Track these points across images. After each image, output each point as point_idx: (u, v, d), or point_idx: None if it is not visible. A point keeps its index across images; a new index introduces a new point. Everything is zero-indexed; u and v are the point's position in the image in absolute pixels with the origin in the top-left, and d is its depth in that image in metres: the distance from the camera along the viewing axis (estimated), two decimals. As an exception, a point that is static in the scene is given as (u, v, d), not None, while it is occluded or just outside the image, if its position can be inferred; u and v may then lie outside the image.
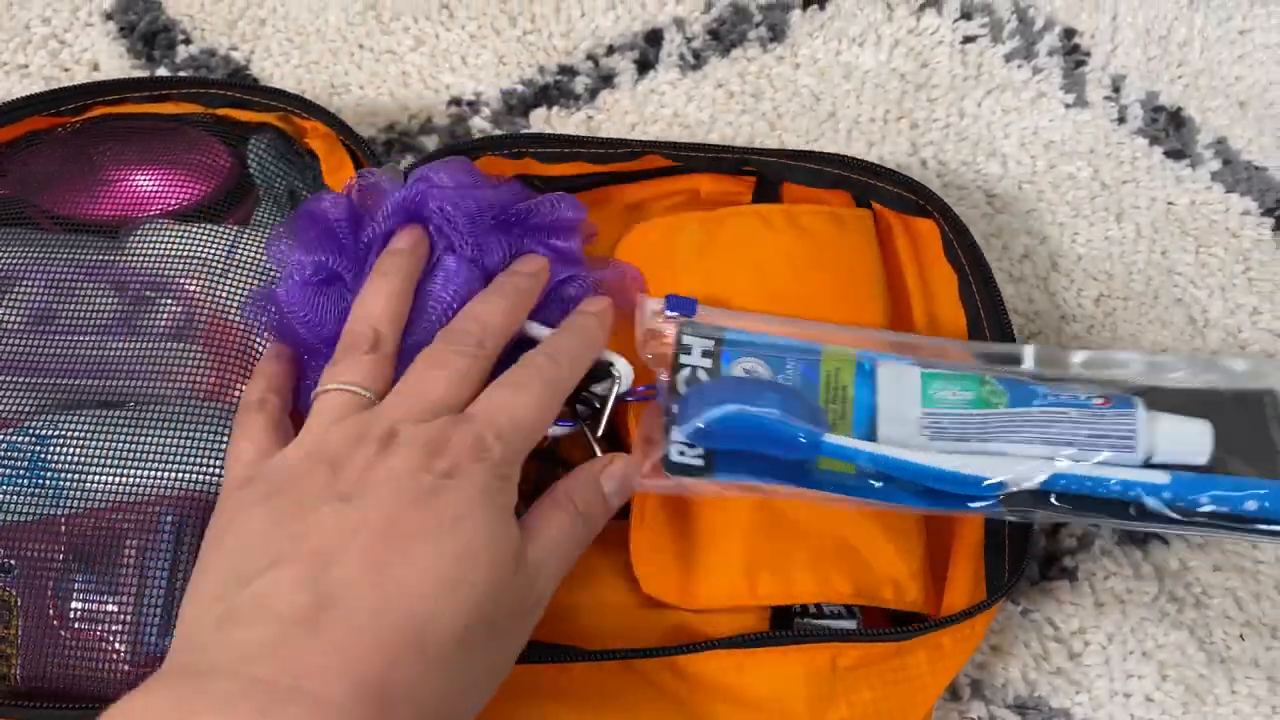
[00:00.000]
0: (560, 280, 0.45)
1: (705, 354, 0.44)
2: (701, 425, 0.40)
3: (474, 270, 0.43)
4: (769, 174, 0.52)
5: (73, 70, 0.60)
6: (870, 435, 0.41)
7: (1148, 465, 0.39)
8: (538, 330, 0.43)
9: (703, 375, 0.43)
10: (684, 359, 0.43)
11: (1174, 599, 0.46)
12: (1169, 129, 0.60)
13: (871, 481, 0.40)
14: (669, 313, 0.45)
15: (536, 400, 0.39)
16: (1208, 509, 0.38)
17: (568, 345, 0.42)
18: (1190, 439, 0.40)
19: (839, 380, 0.43)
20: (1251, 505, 0.38)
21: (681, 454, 0.41)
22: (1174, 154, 0.59)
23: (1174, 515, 0.38)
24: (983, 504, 0.39)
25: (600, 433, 0.43)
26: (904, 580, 0.41)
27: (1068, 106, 0.61)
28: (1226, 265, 0.55)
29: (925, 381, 0.43)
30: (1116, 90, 0.61)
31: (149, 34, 0.61)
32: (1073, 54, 0.62)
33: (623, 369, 0.44)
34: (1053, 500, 0.39)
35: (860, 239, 0.50)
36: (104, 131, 0.51)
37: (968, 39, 0.62)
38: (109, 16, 0.62)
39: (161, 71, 0.60)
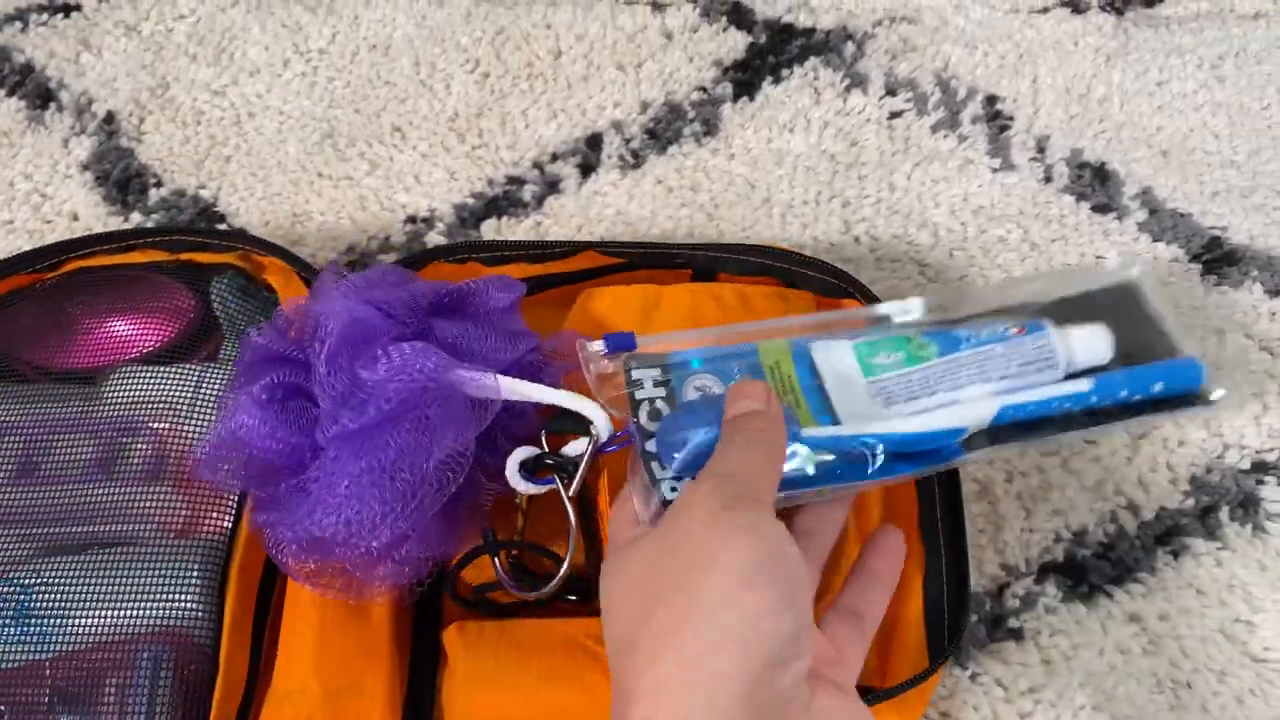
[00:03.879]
0: (526, 352, 0.46)
1: (657, 384, 0.44)
2: (683, 456, 0.40)
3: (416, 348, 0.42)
4: (701, 266, 0.55)
5: (54, 222, 0.64)
6: (829, 416, 0.43)
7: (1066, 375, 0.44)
8: (523, 387, 0.43)
9: (661, 405, 0.44)
10: (639, 394, 0.44)
11: (1121, 650, 0.48)
12: (1095, 184, 0.62)
13: (838, 468, 0.41)
14: (609, 351, 0.45)
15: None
16: (1126, 401, 0.43)
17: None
18: (1096, 344, 0.44)
19: (782, 371, 0.45)
20: (1158, 387, 0.43)
21: (674, 489, 0.41)
22: (1101, 208, 0.61)
23: (1103, 415, 0.43)
24: (947, 457, 0.42)
25: (574, 491, 0.44)
26: None
27: (995, 171, 0.63)
28: (1157, 314, 0.57)
29: (858, 353, 0.45)
30: (1041, 150, 0.64)
31: (123, 181, 0.65)
32: (996, 119, 0.65)
33: (600, 426, 0.44)
34: (1004, 432, 0.43)
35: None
36: (77, 284, 0.55)
37: (894, 114, 0.65)
38: (85, 167, 0.66)
39: (135, 215, 0.64)
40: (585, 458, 0.44)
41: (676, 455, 0.41)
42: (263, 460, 0.43)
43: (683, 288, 0.53)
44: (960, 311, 0.47)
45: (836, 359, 0.45)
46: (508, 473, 0.45)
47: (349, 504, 0.40)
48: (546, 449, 0.45)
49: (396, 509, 0.40)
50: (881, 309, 0.47)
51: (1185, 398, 0.44)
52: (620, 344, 0.45)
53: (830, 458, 0.42)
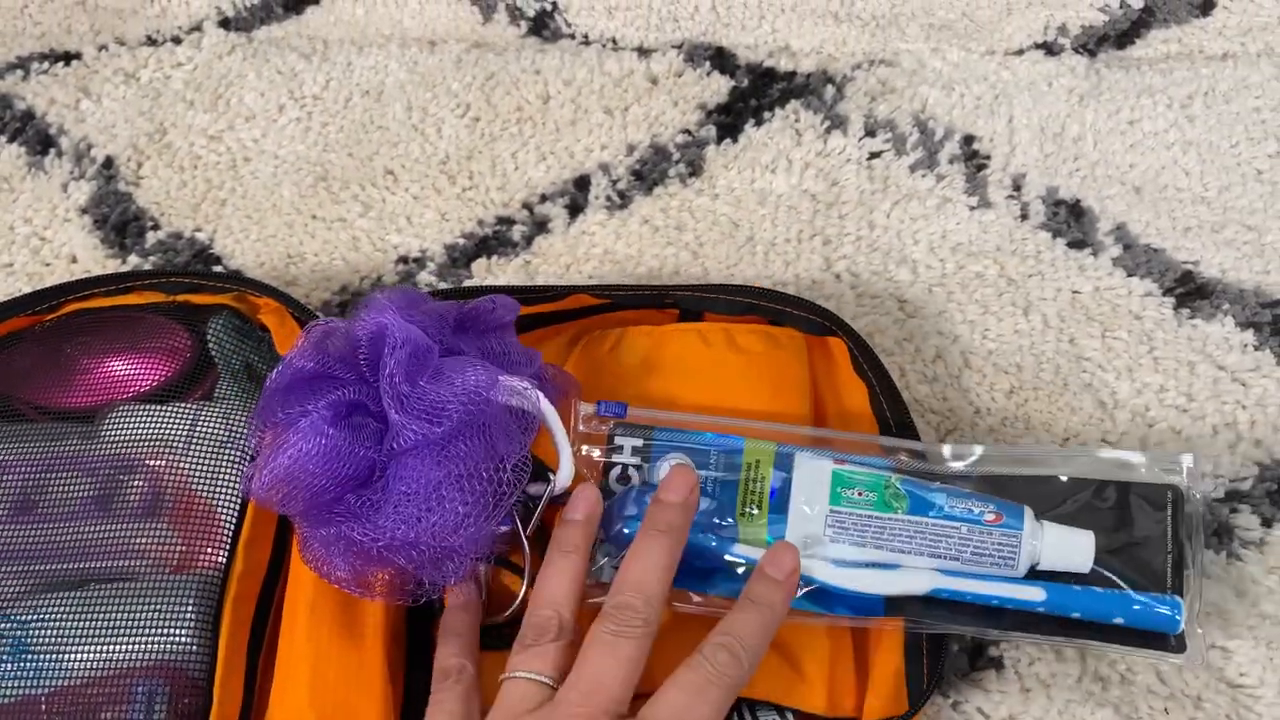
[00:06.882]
0: (538, 368, 0.49)
1: (635, 451, 0.48)
2: (624, 531, 0.45)
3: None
4: (688, 306, 0.56)
5: (53, 264, 0.65)
6: (781, 528, 0.45)
7: (1031, 572, 0.44)
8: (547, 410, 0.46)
9: (633, 473, 0.48)
10: (616, 457, 0.48)
11: (1098, 678, 0.48)
12: (1070, 220, 0.64)
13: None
14: (601, 414, 0.49)
15: (714, 711, 0.39)
16: (1076, 620, 0.44)
17: (752, 635, 0.41)
18: (1072, 551, 0.44)
19: (758, 472, 0.47)
20: (1118, 620, 0.44)
21: (606, 556, 0.45)
22: (1076, 244, 0.63)
23: (1041, 627, 0.44)
24: (869, 610, 0.44)
25: (530, 531, 0.46)
26: (811, 685, 0.44)
27: (972, 209, 0.65)
28: (1131, 347, 0.59)
29: (835, 480, 0.46)
30: (1017, 189, 0.65)
31: (120, 224, 0.66)
32: (973, 159, 0.67)
33: (563, 478, 0.46)
34: (934, 609, 0.44)
35: (791, 355, 0.54)
36: (75, 326, 0.56)
37: (873, 155, 0.67)
38: (84, 211, 0.67)
39: (133, 258, 0.65)
40: (541, 502, 0.46)
41: (621, 529, 0.45)
42: (327, 481, 0.43)
43: (674, 332, 0.55)
44: (1007, 468, 0.48)
45: (813, 478, 0.46)
46: None
47: (436, 509, 0.42)
48: None
49: (476, 511, 0.42)
50: (934, 449, 0.48)
51: (1153, 636, 0.44)
52: (612, 410, 0.49)
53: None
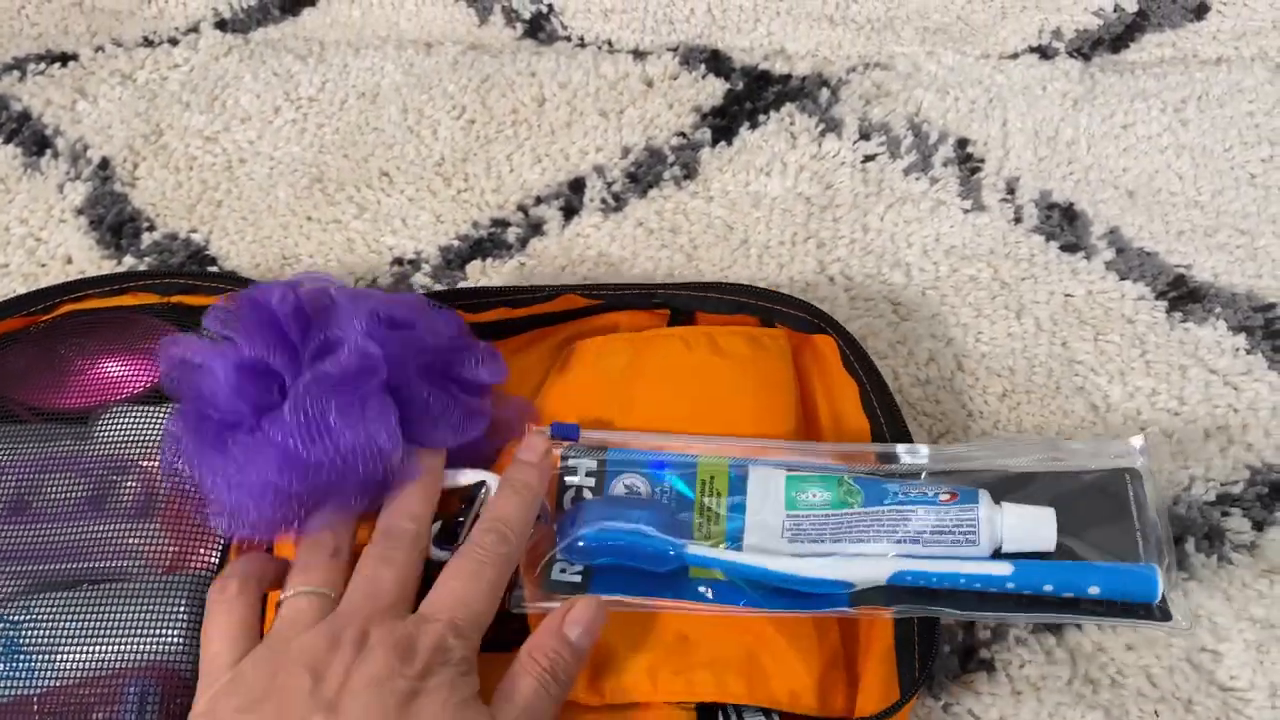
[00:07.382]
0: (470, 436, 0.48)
1: (589, 474, 0.48)
2: (578, 543, 0.45)
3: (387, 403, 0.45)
4: (679, 306, 0.56)
5: (48, 265, 0.65)
6: (739, 539, 0.46)
7: (996, 555, 0.44)
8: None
9: (587, 493, 0.48)
10: (569, 479, 0.48)
11: (1089, 681, 0.49)
12: (1063, 224, 0.64)
13: (735, 588, 0.45)
14: (554, 438, 0.49)
15: (490, 587, 0.42)
16: (1050, 595, 0.43)
17: (515, 515, 0.44)
18: (1034, 528, 0.44)
19: (713, 487, 0.48)
20: (1094, 590, 0.43)
21: (563, 571, 0.45)
22: (1069, 247, 0.63)
23: (1017, 605, 0.43)
24: (834, 604, 0.44)
25: (463, 539, 0.45)
26: (799, 687, 0.44)
27: (966, 212, 0.65)
28: (1124, 351, 0.59)
29: (789, 485, 0.47)
30: (1011, 192, 0.66)
31: (116, 225, 0.67)
32: (967, 162, 0.67)
33: (493, 484, 0.47)
34: (902, 595, 0.44)
35: (774, 356, 0.54)
36: (70, 327, 0.56)
37: (868, 158, 0.67)
38: (80, 212, 0.67)
39: (129, 259, 0.65)
40: (475, 506, 0.46)
41: (574, 541, 0.45)
42: (212, 401, 0.45)
43: (657, 338, 0.55)
44: (956, 465, 0.47)
45: (766, 486, 0.47)
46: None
47: (242, 485, 0.43)
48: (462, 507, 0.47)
49: (254, 505, 0.43)
50: (889, 450, 0.49)
51: (1138, 606, 0.43)
52: (564, 433, 0.49)
53: (718, 575, 0.45)
